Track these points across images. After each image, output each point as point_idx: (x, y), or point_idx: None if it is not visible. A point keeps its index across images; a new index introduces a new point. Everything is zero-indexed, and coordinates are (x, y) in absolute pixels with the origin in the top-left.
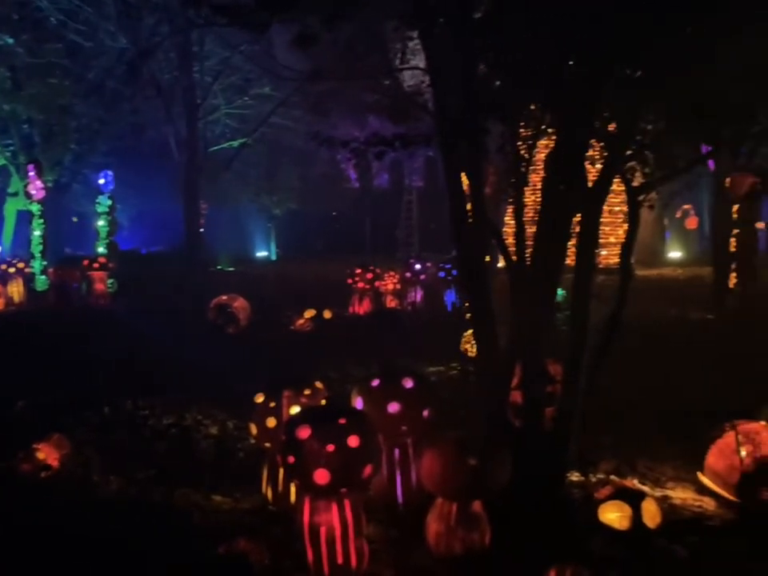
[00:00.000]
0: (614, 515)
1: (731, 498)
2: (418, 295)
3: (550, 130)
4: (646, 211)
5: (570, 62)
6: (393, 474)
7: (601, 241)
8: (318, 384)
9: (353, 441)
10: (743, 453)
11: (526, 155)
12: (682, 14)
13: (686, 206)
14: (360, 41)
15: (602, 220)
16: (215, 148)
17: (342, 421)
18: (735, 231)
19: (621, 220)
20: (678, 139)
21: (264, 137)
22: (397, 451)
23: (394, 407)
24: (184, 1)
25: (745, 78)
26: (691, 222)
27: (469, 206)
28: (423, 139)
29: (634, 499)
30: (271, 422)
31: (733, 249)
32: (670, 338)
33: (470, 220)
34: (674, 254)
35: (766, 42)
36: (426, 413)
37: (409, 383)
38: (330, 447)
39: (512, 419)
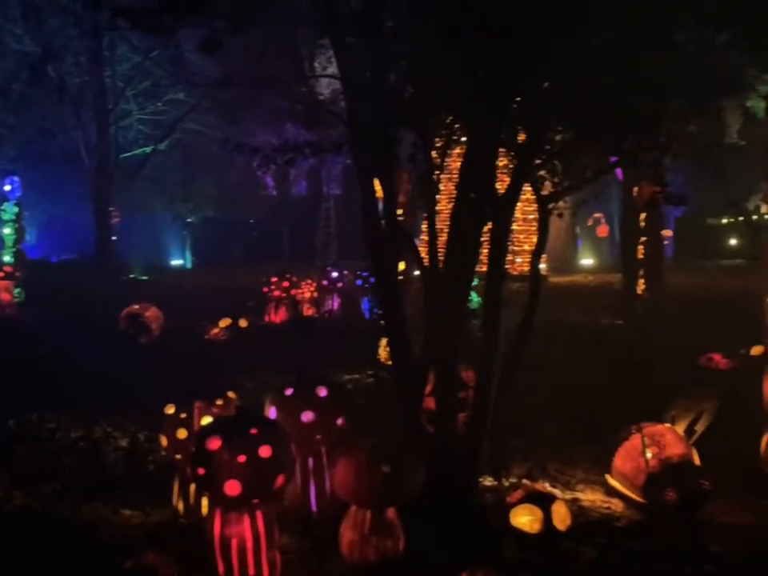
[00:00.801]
0: (525, 519)
1: (638, 499)
2: (335, 303)
3: (462, 139)
4: (559, 220)
5: (479, 74)
6: (307, 483)
7: (515, 248)
8: (231, 394)
9: (264, 451)
10: (649, 455)
11: (439, 163)
12: (583, 29)
13: (596, 215)
14: (271, 47)
15: (516, 228)
16: (127, 154)
17: (254, 431)
18: (643, 239)
19: (535, 228)
20: (585, 149)
21: (179, 143)
22: (311, 460)
23: (307, 416)
24: (85, 3)
25: (643, 91)
26: (602, 230)
27: (382, 214)
28: (334, 147)
29: (544, 502)
30: (182, 434)
31: (640, 256)
32: (581, 343)
33: (383, 227)
34: (586, 261)
35: (662, 57)
36: (340, 421)
37: (323, 392)
38: (241, 458)
39: (426, 425)
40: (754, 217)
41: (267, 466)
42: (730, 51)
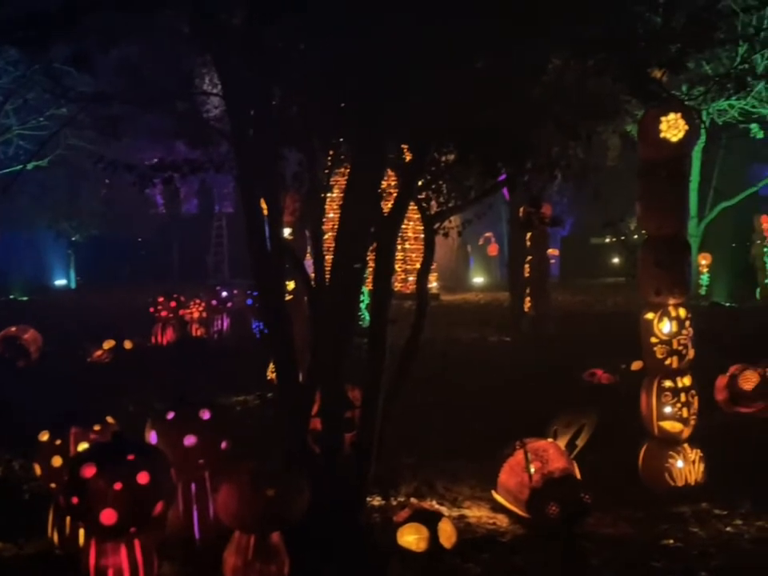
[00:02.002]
0: (411, 537)
1: (522, 514)
2: (224, 323)
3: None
4: (451, 239)
5: (360, 94)
6: (189, 509)
7: (408, 267)
8: (110, 419)
9: (142, 478)
10: (532, 470)
11: (325, 183)
12: (456, 56)
13: (487, 234)
14: (150, 62)
15: (409, 247)
16: (5, 171)
17: (131, 457)
18: (529, 258)
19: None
20: (469, 170)
21: (64, 159)
22: (193, 485)
23: (190, 440)
24: None
25: (517, 115)
26: (492, 249)
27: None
28: (214, 165)
29: (431, 521)
30: (57, 461)
31: (527, 274)
32: (470, 360)
33: (268, 246)
34: (478, 279)
35: (534, 82)
36: (224, 445)
37: (206, 415)
38: (118, 485)
39: (312, 446)
40: (635, 236)
41: (145, 493)
42: (603, 77)
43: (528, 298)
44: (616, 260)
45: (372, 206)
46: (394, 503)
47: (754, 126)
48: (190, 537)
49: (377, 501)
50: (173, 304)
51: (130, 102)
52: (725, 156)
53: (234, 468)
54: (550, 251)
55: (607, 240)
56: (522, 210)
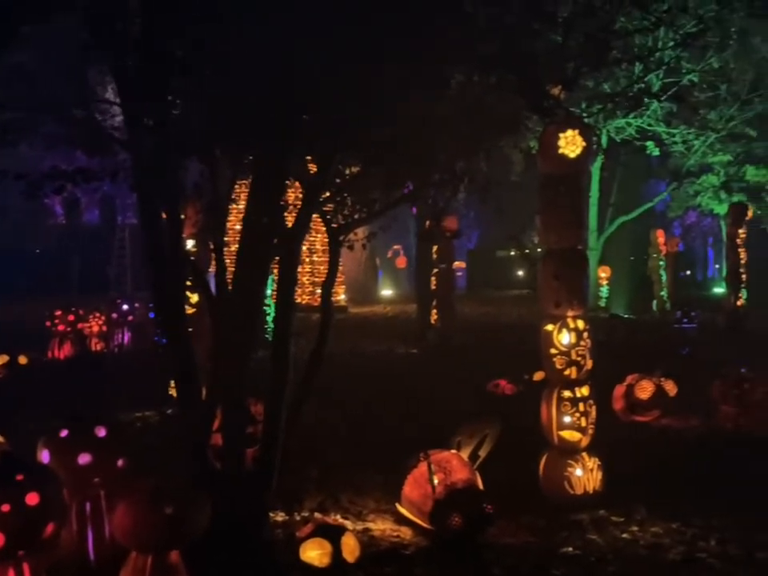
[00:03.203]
0: (314, 553)
1: (426, 526)
2: (125, 337)
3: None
4: (360, 251)
5: (260, 109)
6: (84, 529)
7: (317, 280)
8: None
9: (31, 498)
10: (436, 481)
11: (228, 194)
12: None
13: (396, 247)
14: (45, 68)
15: (317, 259)
16: None
17: (20, 477)
18: (435, 270)
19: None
20: (373, 183)
21: None
22: (88, 505)
23: (84, 458)
24: None
25: (416, 129)
26: (401, 262)
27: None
28: (109, 174)
29: (334, 535)
30: None
31: (433, 287)
32: (377, 372)
33: (168, 258)
34: (386, 291)
35: (433, 96)
36: (120, 462)
37: (101, 432)
38: (5, 507)
39: (213, 462)
40: (538, 250)
41: (34, 515)
42: (502, 92)
43: (434, 310)
44: (521, 272)
45: (275, 218)
46: (298, 518)
47: (650, 144)
48: (85, 558)
49: (280, 516)
50: (71, 317)
51: (21, 109)
52: (623, 172)
53: (130, 486)
54: (457, 264)
55: (512, 253)
56: (428, 222)
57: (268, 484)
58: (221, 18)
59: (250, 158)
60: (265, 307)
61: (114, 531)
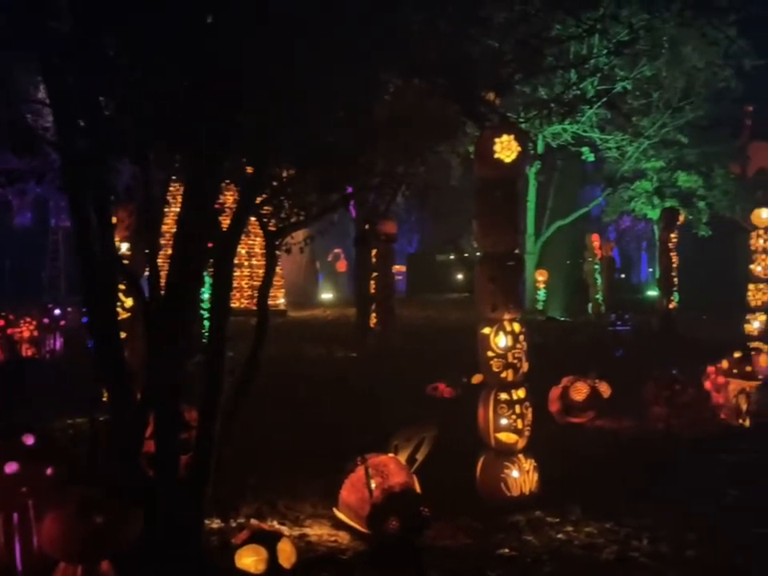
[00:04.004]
0: (250, 560)
1: (364, 530)
2: (57, 343)
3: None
4: (299, 255)
5: (192, 111)
6: (11, 540)
7: (255, 284)
8: None
9: None
10: (373, 485)
11: (162, 196)
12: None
13: (336, 250)
14: None
15: (256, 263)
16: None
17: None
18: (374, 274)
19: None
20: (309, 186)
21: None
22: (15, 515)
23: (11, 467)
24: None
25: (352, 134)
26: (341, 265)
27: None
28: (35, 176)
29: (269, 541)
30: None
31: (373, 291)
32: (316, 377)
33: (99, 262)
34: (327, 295)
35: (370, 101)
36: (49, 471)
37: (29, 440)
38: None
39: (146, 469)
40: (477, 253)
41: None
42: (439, 97)
43: (374, 314)
44: (460, 276)
45: (210, 221)
46: (234, 525)
47: (585, 150)
48: (12, 570)
49: (215, 523)
50: (1, 323)
51: None
52: (559, 177)
53: (59, 495)
54: (396, 267)
55: (452, 257)
56: (367, 226)
57: (202, 491)
58: (152, 17)
59: (183, 159)
60: (201, 311)
61: (42, 542)
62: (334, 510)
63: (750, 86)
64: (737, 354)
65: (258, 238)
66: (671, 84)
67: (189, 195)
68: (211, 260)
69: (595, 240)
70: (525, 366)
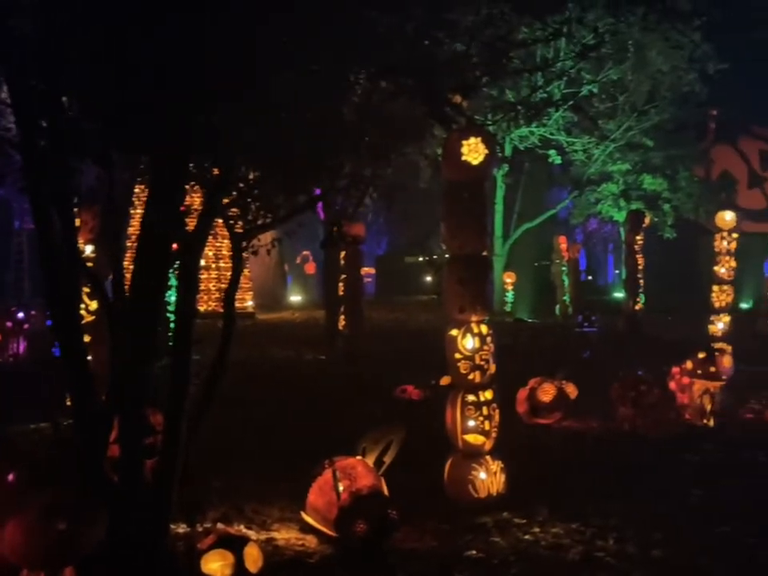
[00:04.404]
0: (216, 564)
1: (331, 533)
2: (20, 346)
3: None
4: (268, 257)
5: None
6: None
7: (223, 286)
8: None
9: None
10: (341, 488)
11: (125, 198)
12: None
13: (305, 252)
14: None
15: (224, 265)
16: None
17: None
18: (343, 276)
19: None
20: (277, 188)
21: None
22: None
23: None
24: None
25: (319, 135)
26: (310, 268)
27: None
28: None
29: (236, 546)
30: None
31: (341, 293)
32: (284, 380)
33: (62, 264)
34: (295, 297)
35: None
36: (11, 477)
37: None
38: None
39: (110, 474)
40: (446, 256)
41: None
42: (407, 101)
43: (342, 316)
44: (429, 278)
45: (175, 223)
46: (200, 529)
47: (552, 153)
48: None
49: (181, 528)
50: None
51: None
52: (527, 180)
53: (22, 501)
54: (365, 269)
55: (420, 259)
56: (332, 228)
57: (168, 496)
58: (114, 16)
59: (148, 160)
60: (167, 314)
61: (3, 549)
62: (302, 513)
63: (713, 89)
64: (701, 355)
65: (225, 240)
66: (637, 87)
67: (153, 197)
68: (177, 262)
69: (562, 242)
70: (492, 368)
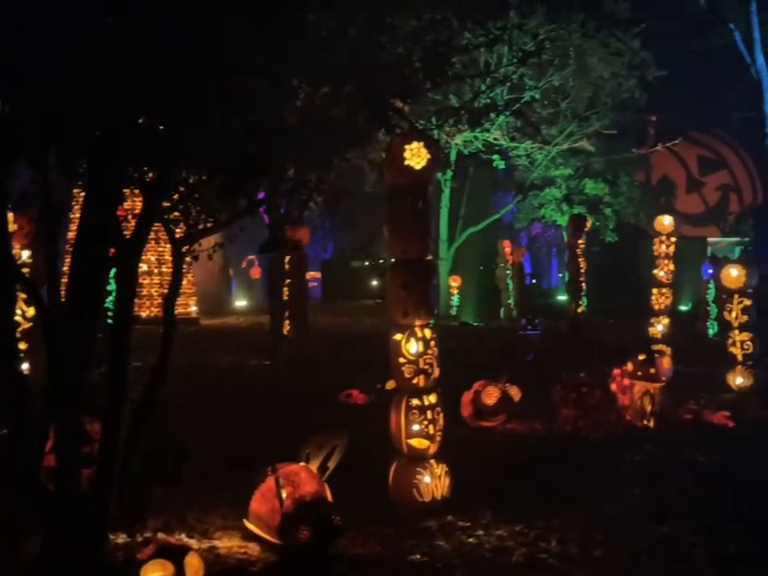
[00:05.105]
0: (156, 575)
1: (274, 540)
2: None
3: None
4: (212, 262)
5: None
6: None
7: (166, 292)
8: None
9: None
10: (284, 495)
11: (63, 202)
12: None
13: (250, 257)
14: None
15: (166, 270)
16: None
17: None
18: (288, 281)
19: (184, 270)
20: (216, 193)
21: None
22: None
23: None
24: None
25: (259, 139)
26: (255, 272)
27: None
28: None
29: (176, 555)
30: None
31: (286, 298)
32: (228, 386)
33: None
34: (240, 302)
35: (277, 106)
36: None
37: None
38: None
39: (46, 484)
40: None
41: None
42: (347, 105)
43: (287, 321)
44: (375, 282)
45: (112, 227)
46: (140, 539)
47: (495, 157)
48: None
49: (121, 538)
50: None
51: None
52: (472, 185)
53: None
54: (311, 274)
55: (367, 263)
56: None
57: (106, 505)
58: (49, 17)
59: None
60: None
61: None
62: (245, 521)
63: (653, 96)
64: (641, 357)
65: (168, 245)
66: (578, 94)
67: (91, 200)
68: (114, 268)
69: (507, 246)
70: (436, 372)
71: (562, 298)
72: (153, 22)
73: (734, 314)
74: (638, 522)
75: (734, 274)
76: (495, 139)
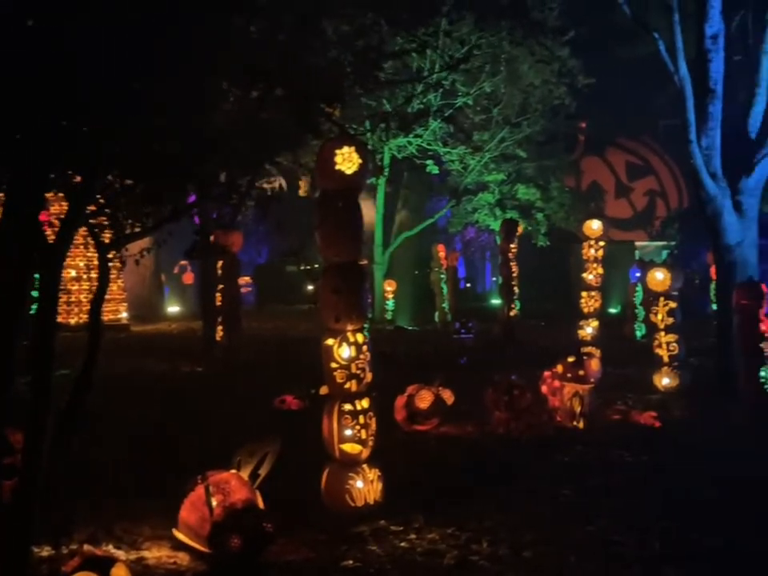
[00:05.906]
0: None
1: (205, 549)
2: None
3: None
4: (143, 267)
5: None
6: None
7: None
8: None
9: None
10: (214, 503)
11: None
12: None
13: (183, 262)
14: None
15: (95, 275)
16: None
17: None
18: (220, 286)
19: (114, 275)
20: (142, 198)
21: None
22: None
23: None
24: None
25: (185, 143)
26: (188, 278)
27: None
28: None
29: (103, 567)
30: None
31: (219, 303)
32: (160, 393)
33: None
34: (173, 308)
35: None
36: None
37: None
38: None
39: None
40: (321, 265)
41: None
42: (279, 108)
43: (220, 327)
44: (310, 287)
45: (34, 232)
46: (65, 552)
47: (429, 162)
48: None
49: (45, 551)
50: None
51: None
52: (406, 189)
53: None
54: (244, 279)
55: (301, 268)
56: (213, 237)
57: (29, 517)
58: None
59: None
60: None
61: None
62: (174, 530)
63: (582, 102)
64: (570, 359)
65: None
66: (509, 100)
67: (11, 204)
68: (36, 274)
69: (441, 250)
70: (369, 377)
71: (496, 301)
72: (73, 24)
73: (659, 317)
74: (567, 522)
75: (659, 277)
76: (429, 144)
